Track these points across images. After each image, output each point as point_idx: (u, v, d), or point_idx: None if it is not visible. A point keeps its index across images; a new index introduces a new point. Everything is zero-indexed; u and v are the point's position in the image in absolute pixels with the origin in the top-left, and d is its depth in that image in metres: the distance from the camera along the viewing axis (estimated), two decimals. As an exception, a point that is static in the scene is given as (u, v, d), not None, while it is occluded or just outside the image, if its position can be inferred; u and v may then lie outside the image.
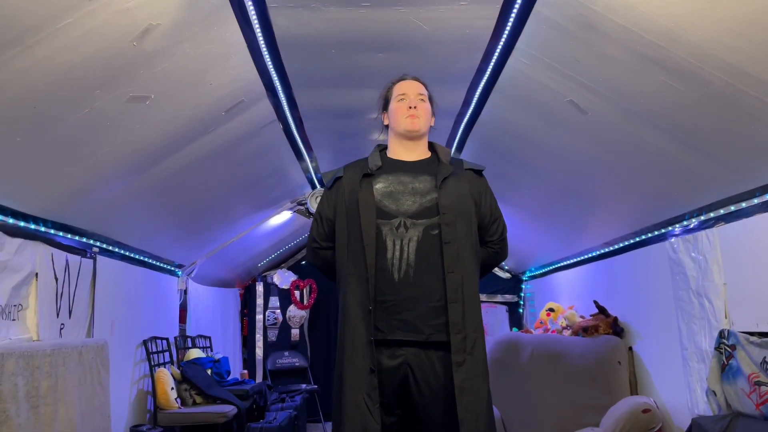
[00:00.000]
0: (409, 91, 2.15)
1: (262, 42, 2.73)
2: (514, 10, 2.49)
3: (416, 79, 2.22)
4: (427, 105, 2.17)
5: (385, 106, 2.20)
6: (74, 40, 2.09)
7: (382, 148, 2.24)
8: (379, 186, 2.04)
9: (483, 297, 6.28)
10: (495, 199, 2.22)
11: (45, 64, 2.13)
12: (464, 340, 1.90)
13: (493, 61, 2.92)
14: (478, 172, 2.19)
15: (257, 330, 7.13)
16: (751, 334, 2.74)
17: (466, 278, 1.96)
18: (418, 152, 2.16)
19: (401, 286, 1.93)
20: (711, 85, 2.24)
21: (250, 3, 2.43)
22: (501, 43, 2.74)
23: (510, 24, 2.58)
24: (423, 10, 2.55)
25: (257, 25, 2.59)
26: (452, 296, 1.91)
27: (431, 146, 2.24)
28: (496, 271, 6.35)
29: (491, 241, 2.19)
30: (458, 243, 1.97)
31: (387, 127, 2.21)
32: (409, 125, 2.10)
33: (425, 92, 2.19)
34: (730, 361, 2.80)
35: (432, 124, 2.22)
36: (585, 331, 4.21)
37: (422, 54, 2.91)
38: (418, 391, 1.92)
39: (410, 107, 2.11)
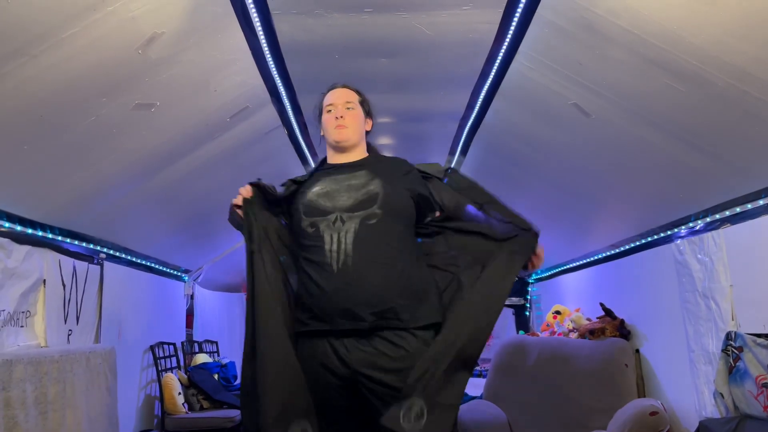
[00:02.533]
0: (336, 101, 2.15)
1: (266, 48, 2.74)
2: (517, 14, 2.49)
3: (345, 86, 2.21)
4: (357, 112, 2.16)
5: (320, 117, 2.22)
6: (80, 48, 2.11)
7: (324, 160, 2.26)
8: (316, 189, 2.07)
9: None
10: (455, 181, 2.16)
11: (51, 73, 2.15)
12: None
13: (497, 64, 2.93)
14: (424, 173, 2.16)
15: (264, 334, 7.13)
16: (759, 335, 2.72)
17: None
18: (353, 158, 2.16)
19: (340, 277, 1.93)
20: (714, 86, 2.24)
21: (253, 10, 2.45)
22: (504, 46, 2.75)
23: (513, 28, 2.59)
24: (425, 15, 2.56)
25: (261, 32, 2.61)
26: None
27: (371, 150, 2.24)
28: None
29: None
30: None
31: (323, 137, 2.23)
32: (336, 136, 2.12)
33: (354, 98, 2.18)
34: (737, 363, 2.79)
35: (368, 129, 2.21)
36: (591, 333, 4.20)
37: (425, 58, 2.92)
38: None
39: (337, 117, 2.11)
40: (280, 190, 2.16)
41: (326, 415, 1.95)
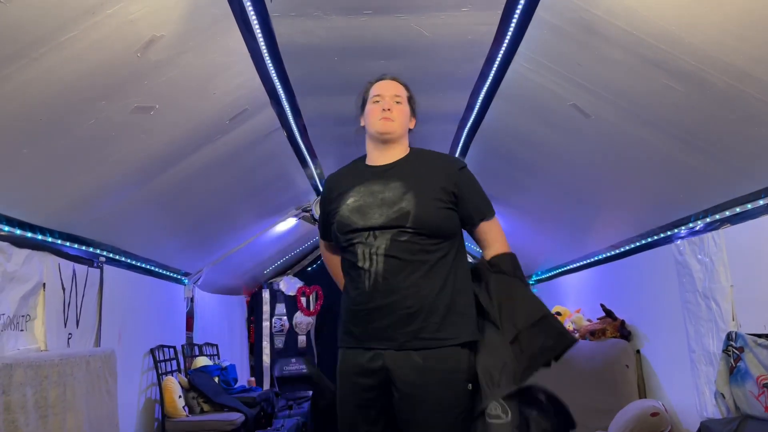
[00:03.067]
0: (384, 92, 2.06)
1: (265, 50, 2.74)
2: (516, 15, 2.49)
3: (395, 79, 2.13)
4: (404, 107, 2.08)
5: (363, 106, 2.13)
6: (79, 51, 2.11)
7: (361, 158, 2.20)
8: (350, 201, 2.02)
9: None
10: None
11: (50, 76, 2.15)
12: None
13: (496, 65, 2.93)
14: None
15: (264, 337, 7.14)
16: (759, 336, 2.72)
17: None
18: (392, 155, 2.07)
19: (372, 296, 1.93)
20: (713, 86, 2.24)
21: (252, 12, 2.45)
22: (503, 47, 2.75)
23: (511, 29, 2.59)
24: (424, 17, 2.56)
25: (260, 34, 2.61)
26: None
27: (411, 150, 2.15)
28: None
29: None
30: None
31: (363, 128, 2.14)
32: (381, 127, 2.02)
33: (403, 93, 2.10)
34: (738, 364, 2.79)
35: (411, 127, 2.13)
36: (592, 334, 4.20)
37: (425, 60, 2.92)
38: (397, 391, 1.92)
39: (384, 109, 2.03)
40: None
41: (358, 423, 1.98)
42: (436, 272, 1.93)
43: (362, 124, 2.12)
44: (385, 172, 2.04)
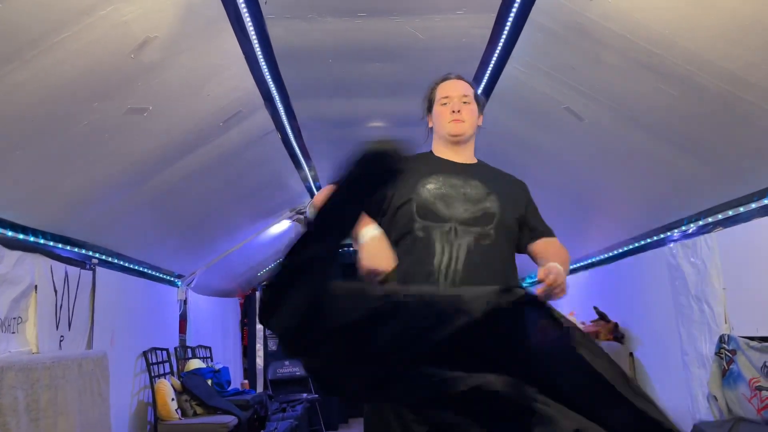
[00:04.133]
0: (452, 93, 2.02)
1: (259, 53, 2.74)
2: (510, 18, 2.50)
3: (460, 77, 2.08)
4: (473, 107, 2.03)
5: (429, 107, 2.09)
6: (72, 53, 2.10)
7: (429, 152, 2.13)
8: (431, 186, 1.92)
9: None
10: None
11: (43, 78, 2.14)
12: None
13: (490, 69, 2.93)
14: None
15: (258, 339, 7.12)
16: (752, 338, 2.73)
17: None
18: (464, 156, 2.04)
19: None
20: (706, 90, 2.25)
21: (247, 14, 2.44)
22: (497, 51, 2.76)
23: (506, 32, 2.60)
24: (419, 20, 2.56)
25: (254, 36, 2.60)
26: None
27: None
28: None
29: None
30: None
31: (431, 129, 2.10)
32: (452, 129, 1.99)
33: (470, 92, 2.05)
34: (730, 366, 2.80)
35: (480, 124, 2.08)
36: (585, 337, 4.20)
37: (419, 63, 2.92)
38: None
39: (453, 111, 1.99)
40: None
41: None
42: (510, 281, 1.86)
43: (430, 125, 2.09)
44: (464, 169, 1.98)
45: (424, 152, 2.06)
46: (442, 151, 2.05)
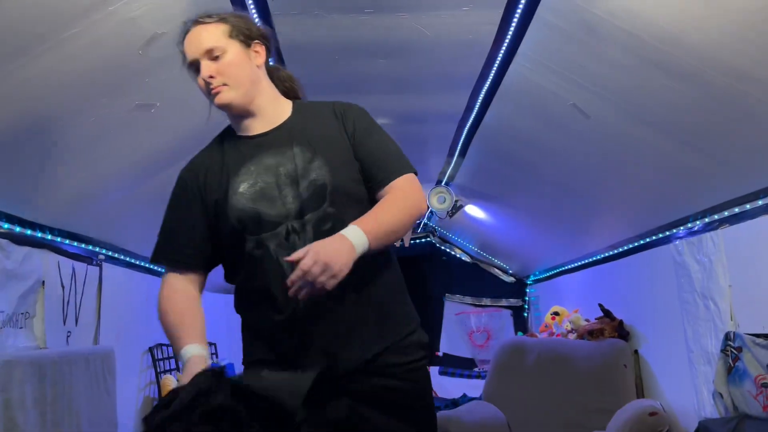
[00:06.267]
0: (195, 53, 1.52)
1: (266, 49, 2.74)
2: (517, 15, 2.50)
3: (200, 21, 1.54)
4: (230, 55, 1.51)
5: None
6: (80, 49, 2.11)
7: (226, 130, 1.67)
8: (244, 186, 1.50)
9: (487, 301, 6.28)
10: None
11: (51, 74, 2.15)
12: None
13: (496, 65, 2.93)
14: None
15: (262, 336, 7.11)
16: (758, 336, 2.73)
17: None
18: (265, 119, 1.58)
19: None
20: (713, 86, 2.25)
21: (253, 10, 2.45)
22: (503, 47, 2.76)
23: (512, 29, 2.59)
24: (425, 16, 2.57)
25: (261, 33, 2.61)
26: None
27: (291, 95, 1.68)
28: (500, 275, 6.34)
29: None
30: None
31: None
32: (218, 103, 1.54)
33: (219, 39, 1.51)
34: (736, 364, 2.80)
35: (260, 62, 1.57)
36: (590, 334, 4.21)
37: (425, 59, 2.93)
38: None
39: (205, 79, 1.52)
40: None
41: None
42: (374, 264, 1.51)
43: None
44: (274, 139, 1.55)
45: (225, 131, 1.67)
46: (238, 125, 1.61)
